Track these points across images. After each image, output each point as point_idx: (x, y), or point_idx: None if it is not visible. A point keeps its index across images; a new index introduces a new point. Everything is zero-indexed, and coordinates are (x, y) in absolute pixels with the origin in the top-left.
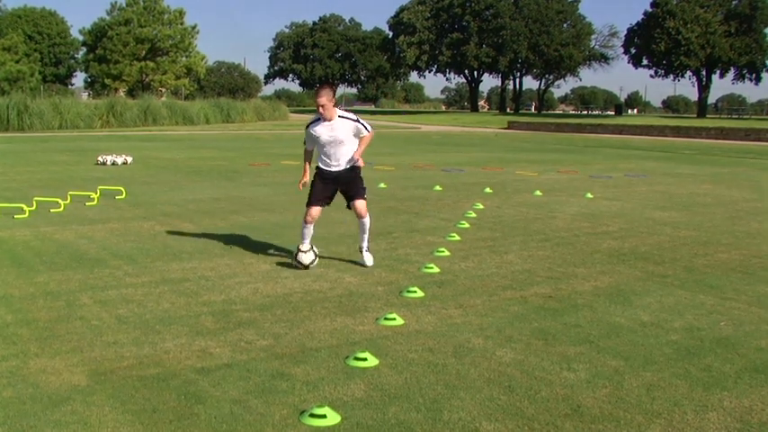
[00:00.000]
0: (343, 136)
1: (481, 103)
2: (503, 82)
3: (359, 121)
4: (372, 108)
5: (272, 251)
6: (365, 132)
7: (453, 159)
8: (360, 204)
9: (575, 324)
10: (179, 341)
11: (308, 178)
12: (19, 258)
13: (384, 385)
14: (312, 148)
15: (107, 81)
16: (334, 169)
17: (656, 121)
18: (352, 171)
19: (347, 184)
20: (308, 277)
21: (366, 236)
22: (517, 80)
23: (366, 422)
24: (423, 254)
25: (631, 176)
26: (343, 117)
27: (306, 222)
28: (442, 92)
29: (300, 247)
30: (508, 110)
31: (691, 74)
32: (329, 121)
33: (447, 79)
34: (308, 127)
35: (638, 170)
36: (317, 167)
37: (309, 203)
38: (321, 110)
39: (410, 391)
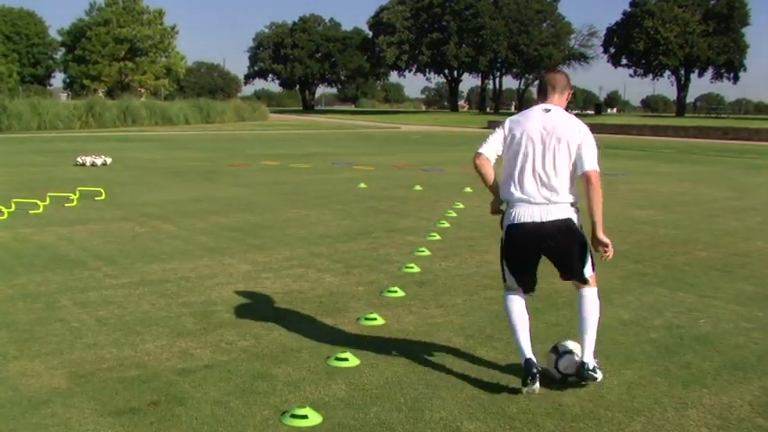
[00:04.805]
0: None
1: (461, 102)
2: (483, 81)
3: None
4: (352, 108)
5: (252, 252)
6: None
7: (433, 159)
8: None
9: (555, 323)
10: (159, 342)
11: None
12: None
13: (365, 385)
14: None
15: (86, 82)
16: None
17: (635, 120)
18: None
19: None
20: (288, 278)
21: None
22: (497, 80)
23: (347, 422)
24: (403, 253)
25: (611, 175)
26: None
27: None
28: (423, 92)
29: None
30: (488, 109)
31: (669, 73)
32: None
33: (427, 79)
34: None
35: (617, 169)
36: None
37: None
38: None
39: (391, 390)
